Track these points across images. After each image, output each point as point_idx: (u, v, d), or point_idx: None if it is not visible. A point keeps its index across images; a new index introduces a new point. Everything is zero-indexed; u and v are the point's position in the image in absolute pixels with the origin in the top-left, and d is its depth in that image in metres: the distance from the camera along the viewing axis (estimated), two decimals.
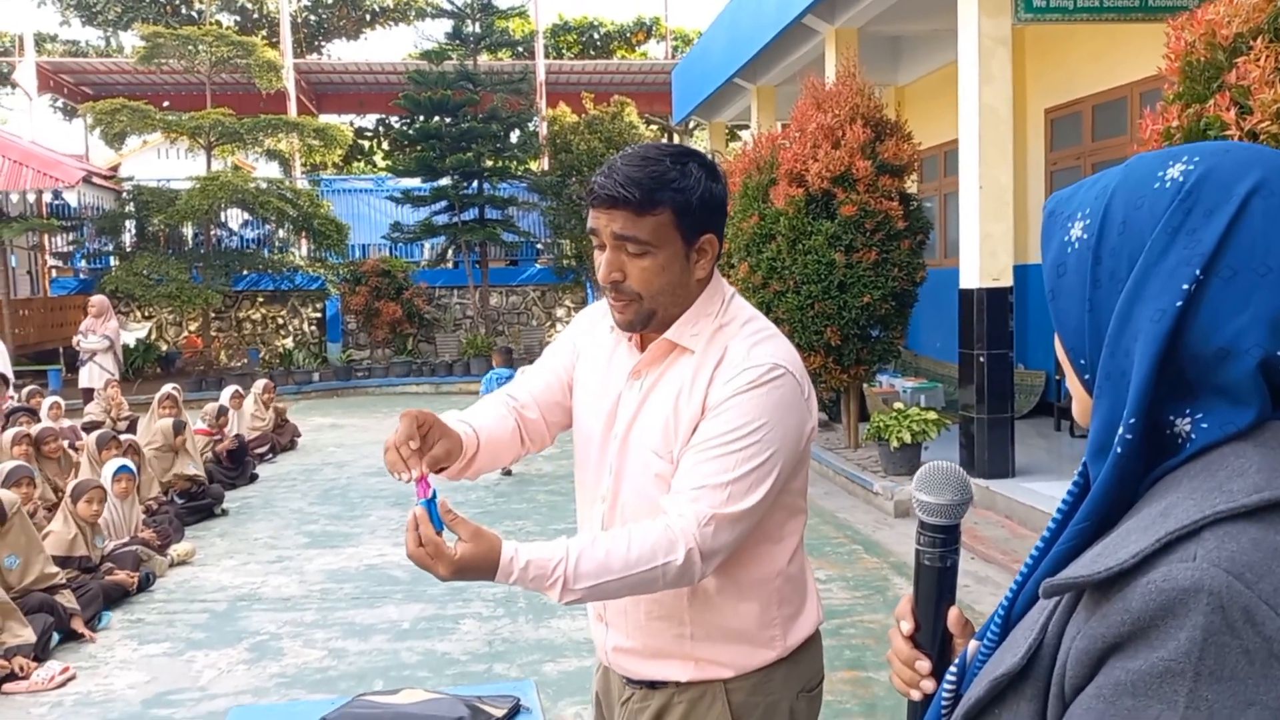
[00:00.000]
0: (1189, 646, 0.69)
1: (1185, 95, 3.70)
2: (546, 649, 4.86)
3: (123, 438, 7.46)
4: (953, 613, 1.09)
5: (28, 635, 4.87)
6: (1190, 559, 0.72)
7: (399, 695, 2.02)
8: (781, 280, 8.12)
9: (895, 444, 7.52)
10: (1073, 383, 0.92)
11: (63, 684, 4.67)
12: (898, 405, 8.04)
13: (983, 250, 7.09)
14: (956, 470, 1.11)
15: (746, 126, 17.74)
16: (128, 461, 6.88)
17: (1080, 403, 0.92)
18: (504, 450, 1.86)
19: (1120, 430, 0.80)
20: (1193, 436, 0.80)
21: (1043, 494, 6.56)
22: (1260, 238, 0.77)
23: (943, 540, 1.10)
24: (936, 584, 1.10)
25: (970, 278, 7.19)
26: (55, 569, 5.48)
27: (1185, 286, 0.78)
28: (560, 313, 19.46)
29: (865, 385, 9.05)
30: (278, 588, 6.00)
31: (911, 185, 8.72)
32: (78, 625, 5.23)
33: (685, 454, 1.65)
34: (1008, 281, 7.12)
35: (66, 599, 5.35)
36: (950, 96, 7.84)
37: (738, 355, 1.66)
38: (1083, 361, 0.87)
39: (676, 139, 25.63)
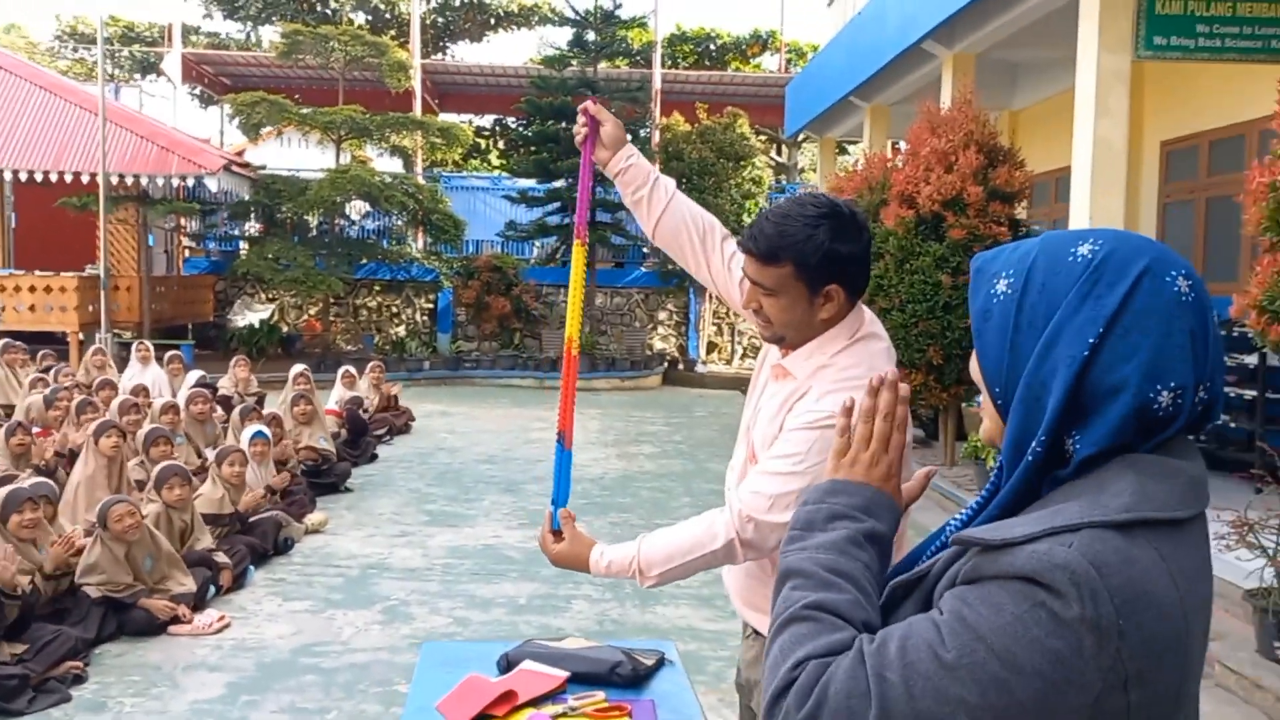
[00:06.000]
0: (1043, 597, 0.95)
1: None
2: (652, 632, 5.24)
3: (266, 412, 8.09)
4: None
5: (190, 584, 5.45)
6: (1067, 545, 0.98)
7: (564, 642, 2.42)
8: (887, 298, 8.37)
9: (991, 464, 7.67)
10: (987, 406, 1.15)
11: (219, 630, 5.22)
12: None
13: None
14: None
15: (856, 142, 17.84)
16: (263, 428, 7.52)
17: (991, 421, 1.15)
18: (682, 227, 2.31)
19: (1034, 444, 1.06)
20: (1077, 448, 1.05)
21: None
22: (1146, 306, 1.02)
23: None
24: None
25: None
26: (209, 539, 6.04)
27: (1091, 340, 1.02)
28: (662, 316, 19.83)
29: (964, 405, 9.21)
30: (404, 559, 6.51)
31: (1022, 211, 8.85)
32: (226, 579, 5.80)
33: (761, 459, 2.00)
34: None
35: (220, 557, 5.93)
36: (1065, 122, 7.96)
37: (812, 396, 1.95)
38: (998, 389, 1.11)
39: (785, 152, 25.80)
